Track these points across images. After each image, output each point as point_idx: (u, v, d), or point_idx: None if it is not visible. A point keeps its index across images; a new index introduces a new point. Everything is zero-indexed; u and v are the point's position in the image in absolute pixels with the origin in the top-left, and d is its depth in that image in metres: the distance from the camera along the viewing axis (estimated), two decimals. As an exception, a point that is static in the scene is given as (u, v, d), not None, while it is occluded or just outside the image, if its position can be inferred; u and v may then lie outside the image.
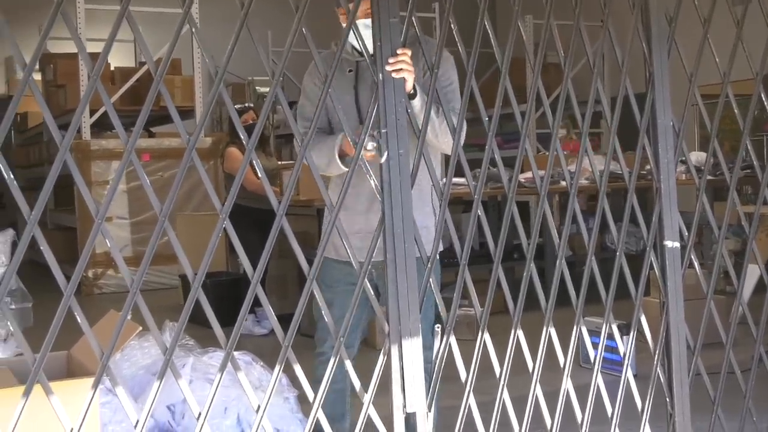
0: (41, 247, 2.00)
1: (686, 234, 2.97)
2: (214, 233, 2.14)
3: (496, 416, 2.51)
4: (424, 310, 2.54)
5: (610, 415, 2.76)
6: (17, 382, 2.78)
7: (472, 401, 2.48)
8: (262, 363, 3.75)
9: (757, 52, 3.13)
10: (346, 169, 2.81)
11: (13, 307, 4.83)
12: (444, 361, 2.47)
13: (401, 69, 2.48)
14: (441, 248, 3.03)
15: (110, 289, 8.75)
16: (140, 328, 2.92)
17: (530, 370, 2.63)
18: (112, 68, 9.61)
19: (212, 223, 2.21)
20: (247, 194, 5.85)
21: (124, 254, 8.04)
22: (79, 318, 2.03)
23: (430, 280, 2.49)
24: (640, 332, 2.90)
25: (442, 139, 3.08)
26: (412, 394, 2.39)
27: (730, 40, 3.08)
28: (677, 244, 2.90)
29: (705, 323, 2.98)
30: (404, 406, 2.37)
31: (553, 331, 2.67)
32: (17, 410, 1.96)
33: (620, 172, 2.91)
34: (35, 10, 9.69)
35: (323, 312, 2.33)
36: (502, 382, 2.53)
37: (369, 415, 2.29)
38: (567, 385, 2.67)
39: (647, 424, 2.84)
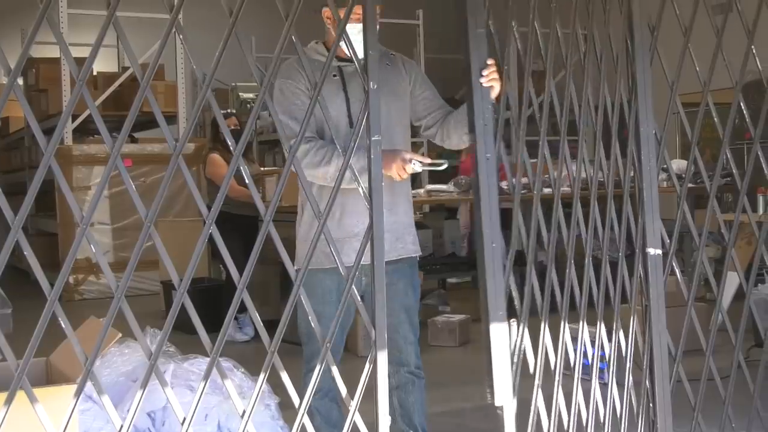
0: (26, 253, 1.99)
1: (667, 241, 3.00)
2: (200, 240, 2.14)
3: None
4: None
5: (585, 421, 2.77)
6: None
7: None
8: (243, 369, 3.74)
9: (737, 61, 3.17)
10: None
11: (-7, 312, 4.80)
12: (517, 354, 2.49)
13: (492, 79, 2.65)
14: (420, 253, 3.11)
15: (91, 295, 8.70)
16: (120, 334, 2.92)
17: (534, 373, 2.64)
18: (95, 73, 9.58)
19: (195, 230, 2.21)
20: (228, 200, 5.84)
21: (107, 260, 7.95)
22: (63, 324, 2.02)
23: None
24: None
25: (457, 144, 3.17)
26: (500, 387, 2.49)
27: (711, 49, 3.11)
28: (659, 252, 2.92)
29: (686, 331, 3.01)
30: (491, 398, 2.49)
31: (548, 335, 2.69)
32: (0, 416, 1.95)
33: (602, 179, 2.93)
34: (16, 12, 9.66)
35: (314, 327, 2.28)
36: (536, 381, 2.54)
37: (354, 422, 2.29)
38: (538, 395, 2.68)
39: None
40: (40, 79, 9.56)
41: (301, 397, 2.25)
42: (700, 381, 3.06)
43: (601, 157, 2.89)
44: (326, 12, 3.03)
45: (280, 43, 2.24)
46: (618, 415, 2.86)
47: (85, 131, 9.30)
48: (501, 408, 2.55)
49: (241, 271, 2.18)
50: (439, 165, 2.92)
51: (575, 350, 2.81)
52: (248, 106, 10.52)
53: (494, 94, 2.74)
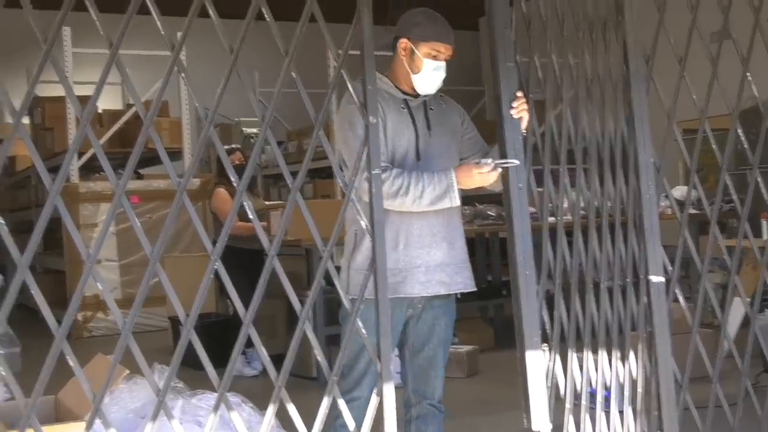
0: (32, 292, 2.00)
1: (670, 268, 3.00)
2: (206, 275, 2.16)
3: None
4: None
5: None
6: (4, 428, 2.77)
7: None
8: (251, 404, 3.74)
9: (734, 88, 3.20)
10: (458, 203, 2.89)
11: (1, 352, 4.81)
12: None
13: (522, 110, 2.72)
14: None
15: (100, 332, 8.70)
16: (128, 371, 2.93)
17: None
18: (99, 110, 9.64)
19: (201, 265, 2.23)
20: (233, 234, 5.85)
21: (114, 296, 7.96)
22: (72, 362, 2.03)
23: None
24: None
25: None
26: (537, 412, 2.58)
27: (708, 76, 3.14)
28: (662, 279, 2.93)
29: (692, 357, 3.01)
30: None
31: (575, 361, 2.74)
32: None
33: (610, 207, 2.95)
34: (21, 50, 9.75)
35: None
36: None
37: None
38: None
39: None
40: (46, 118, 9.62)
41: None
42: (707, 408, 3.06)
43: (609, 187, 2.94)
44: (402, 44, 2.96)
45: (281, 79, 2.28)
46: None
47: (91, 168, 9.34)
48: None
49: (247, 305, 2.20)
50: (511, 163, 2.77)
51: (596, 379, 2.88)
52: (251, 140, 10.59)
53: (524, 125, 2.80)
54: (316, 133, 2.31)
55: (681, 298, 3.07)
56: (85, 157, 8.70)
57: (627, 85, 2.98)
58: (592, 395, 2.84)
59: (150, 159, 9.43)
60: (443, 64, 2.94)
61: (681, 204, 3.29)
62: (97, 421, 2.05)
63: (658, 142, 3.00)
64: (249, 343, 2.24)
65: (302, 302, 2.28)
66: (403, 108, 2.99)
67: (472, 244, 8.59)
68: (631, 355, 2.93)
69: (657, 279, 2.92)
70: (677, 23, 3.12)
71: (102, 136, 8.76)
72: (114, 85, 10.62)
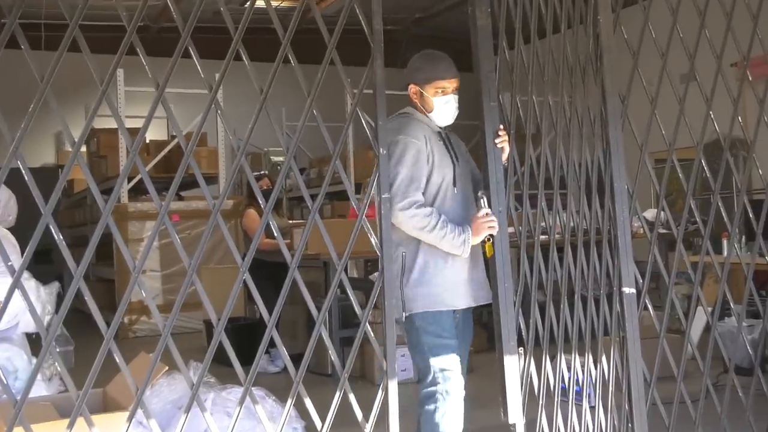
0: (86, 298, 2.02)
1: (641, 281, 3.00)
2: (236, 284, 2.17)
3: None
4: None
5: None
6: (59, 417, 2.77)
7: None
8: (274, 397, 3.73)
9: (699, 123, 3.20)
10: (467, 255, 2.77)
11: (57, 350, 4.81)
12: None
13: (503, 141, 2.79)
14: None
15: (143, 333, 8.70)
16: (167, 368, 2.93)
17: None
18: (147, 141, 9.69)
19: (233, 275, 2.23)
20: (260, 249, 5.87)
21: (156, 302, 8.01)
22: (118, 359, 2.04)
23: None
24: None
25: None
26: (512, 407, 2.63)
27: (676, 113, 3.15)
28: (633, 290, 2.93)
29: (659, 359, 3.00)
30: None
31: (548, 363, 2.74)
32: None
33: (586, 227, 2.95)
34: (80, 89, 9.83)
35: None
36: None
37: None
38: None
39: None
40: (100, 147, 9.68)
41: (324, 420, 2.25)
42: (673, 404, 3.04)
43: (585, 209, 2.94)
44: (411, 89, 2.88)
45: (304, 114, 2.29)
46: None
47: (139, 190, 9.37)
48: (513, 425, 2.63)
49: (271, 310, 2.20)
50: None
51: (569, 378, 2.86)
52: (278, 167, 10.62)
53: (505, 155, 2.82)
54: (333, 162, 2.32)
55: (650, 307, 3.06)
56: (133, 181, 8.74)
57: (604, 121, 2.98)
58: (564, 390, 2.82)
59: (190, 183, 9.45)
60: (452, 96, 2.84)
61: (651, 224, 3.28)
62: (140, 411, 2.05)
63: (632, 171, 3.00)
64: (272, 344, 2.25)
65: (319, 308, 2.29)
66: (439, 140, 2.87)
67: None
68: (604, 357, 2.92)
69: (629, 290, 2.92)
70: (649, 67, 3.13)
71: (148, 164, 8.80)
72: (160, 118, 10.68)
